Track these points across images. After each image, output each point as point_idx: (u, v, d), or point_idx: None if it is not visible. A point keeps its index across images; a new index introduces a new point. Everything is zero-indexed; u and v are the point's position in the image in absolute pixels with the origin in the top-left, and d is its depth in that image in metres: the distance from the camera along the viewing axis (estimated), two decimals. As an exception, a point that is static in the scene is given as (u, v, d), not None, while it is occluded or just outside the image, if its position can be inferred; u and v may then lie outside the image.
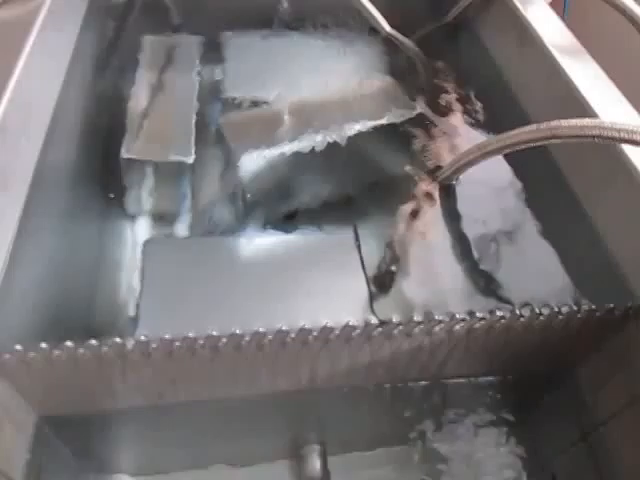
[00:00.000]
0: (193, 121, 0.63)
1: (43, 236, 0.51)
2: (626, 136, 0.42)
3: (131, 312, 0.55)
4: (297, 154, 0.61)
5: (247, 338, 0.38)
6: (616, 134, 0.42)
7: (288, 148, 0.61)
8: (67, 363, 0.38)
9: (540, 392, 0.56)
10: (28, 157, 0.51)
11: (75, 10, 0.70)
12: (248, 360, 0.40)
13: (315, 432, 0.57)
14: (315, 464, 0.56)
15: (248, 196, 0.61)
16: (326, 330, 0.38)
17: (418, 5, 0.80)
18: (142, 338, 0.37)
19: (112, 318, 0.57)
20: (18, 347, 0.36)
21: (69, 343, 0.37)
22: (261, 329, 0.37)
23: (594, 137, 0.43)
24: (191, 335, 0.37)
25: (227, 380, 0.43)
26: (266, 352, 0.39)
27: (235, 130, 0.64)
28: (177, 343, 0.37)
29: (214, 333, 0.37)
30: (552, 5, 0.68)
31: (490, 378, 0.50)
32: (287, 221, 0.60)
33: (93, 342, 0.37)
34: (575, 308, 0.42)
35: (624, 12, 0.60)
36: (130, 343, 0.37)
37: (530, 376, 0.51)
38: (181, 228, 0.63)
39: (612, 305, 0.43)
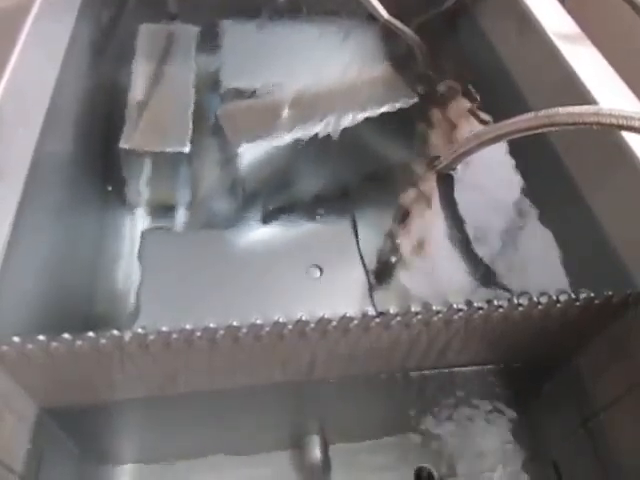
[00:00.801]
0: (190, 111, 0.63)
1: (41, 227, 0.51)
2: (625, 123, 0.41)
3: (131, 303, 0.55)
4: (296, 145, 0.61)
5: (244, 330, 0.38)
6: (615, 121, 0.42)
7: (287, 139, 0.61)
8: (65, 355, 0.38)
9: (540, 380, 0.56)
10: (25, 147, 0.50)
11: (71, -2, 0.70)
12: (246, 352, 0.40)
13: (315, 421, 0.57)
14: (316, 453, 0.56)
15: (246, 187, 0.61)
16: (323, 321, 0.38)
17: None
18: (139, 330, 0.37)
19: (112, 309, 0.57)
20: (16, 339, 0.36)
21: (67, 335, 0.37)
22: (258, 321, 0.37)
23: (592, 124, 0.43)
24: (188, 327, 0.37)
25: (226, 371, 0.43)
26: (264, 344, 0.39)
27: (233, 120, 0.63)
28: (174, 335, 0.37)
29: (211, 325, 0.37)
30: (552, -10, 0.68)
31: (489, 367, 0.50)
32: (285, 212, 0.60)
33: (91, 334, 0.37)
34: (574, 296, 0.42)
35: (625, -3, 0.59)
36: (128, 335, 0.37)
37: (529, 364, 0.51)
38: (180, 219, 0.63)
39: (611, 293, 0.43)
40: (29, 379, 0.41)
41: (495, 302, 0.41)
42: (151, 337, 0.37)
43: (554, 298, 0.41)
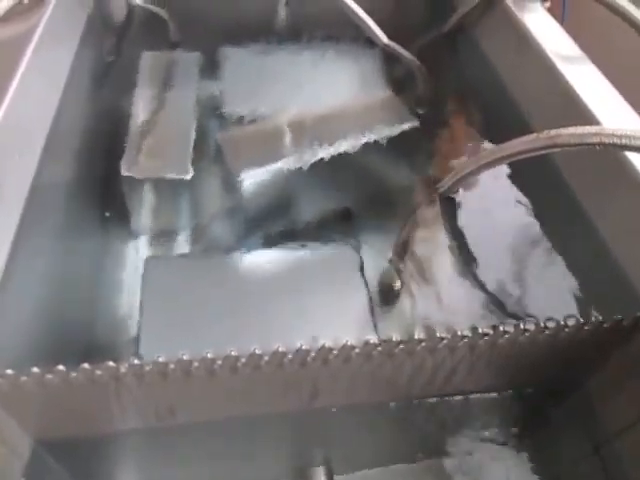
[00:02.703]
0: (192, 138, 0.63)
1: (40, 254, 0.51)
2: (628, 142, 0.41)
3: (132, 331, 0.54)
4: (297, 169, 0.60)
5: (243, 360, 0.37)
6: (617, 141, 0.41)
7: (287, 163, 0.60)
8: (60, 387, 0.37)
9: (549, 406, 0.54)
10: (24, 175, 0.50)
11: (73, 27, 0.70)
12: (245, 382, 0.39)
13: (319, 451, 0.56)
14: (321, 483, 0.55)
15: (248, 212, 0.61)
16: (324, 350, 0.37)
17: (415, 15, 0.79)
18: (135, 361, 0.36)
19: (113, 337, 0.56)
20: (9, 371, 0.36)
21: (61, 367, 0.36)
22: (257, 351, 0.36)
23: (595, 145, 0.42)
24: (186, 357, 0.36)
25: (225, 402, 0.42)
26: (263, 373, 0.38)
27: (234, 146, 0.63)
28: (172, 366, 0.36)
29: (209, 355, 0.36)
30: (550, 11, 0.68)
31: (496, 394, 0.49)
32: (287, 237, 0.59)
33: (86, 366, 0.36)
34: (582, 320, 0.41)
35: (624, 16, 0.59)
36: (124, 366, 0.36)
37: (538, 390, 0.50)
38: (181, 245, 0.63)
39: (620, 316, 0.42)
40: (23, 412, 0.40)
41: (501, 328, 0.40)
42: (147, 368, 0.36)
43: (562, 323, 0.40)
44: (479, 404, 0.49)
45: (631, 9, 0.59)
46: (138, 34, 0.80)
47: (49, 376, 0.36)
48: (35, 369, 0.36)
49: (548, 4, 0.68)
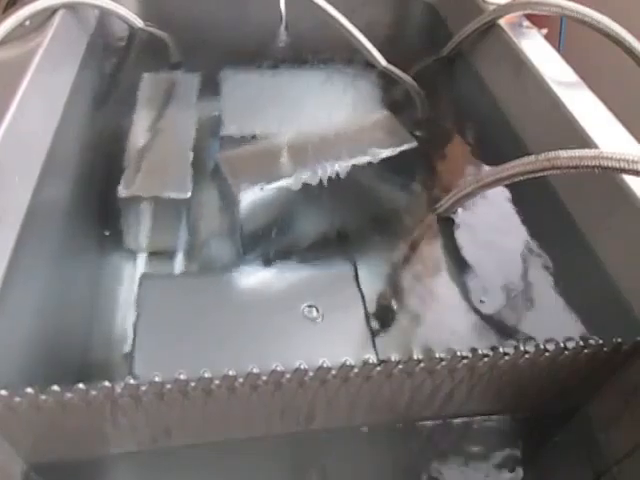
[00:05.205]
0: (191, 158, 0.63)
1: (36, 273, 0.50)
2: (626, 166, 0.41)
3: (127, 350, 0.54)
4: (295, 189, 0.60)
5: (240, 380, 0.36)
6: (616, 164, 0.41)
7: (286, 183, 0.60)
8: (55, 408, 0.36)
9: (549, 431, 0.54)
10: (21, 195, 0.50)
11: (74, 49, 0.71)
12: (242, 402, 0.38)
13: (317, 474, 0.55)
14: (317, 509, 0.54)
15: (246, 232, 0.61)
16: (323, 370, 0.37)
17: (414, 40, 0.81)
18: (131, 381, 0.36)
19: (108, 356, 0.56)
20: (2, 392, 0.35)
21: (56, 387, 0.35)
22: (255, 370, 0.36)
23: (594, 167, 0.42)
24: (182, 377, 0.36)
25: (222, 423, 0.42)
26: (261, 394, 0.38)
27: (233, 165, 0.63)
28: (168, 386, 0.36)
29: (206, 375, 0.36)
30: (547, 38, 0.69)
31: (496, 417, 0.48)
32: (285, 256, 0.59)
33: (81, 386, 0.36)
34: (582, 343, 0.41)
35: (621, 44, 0.60)
36: (119, 386, 0.36)
37: (538, 414, 0.50)
38: (179, 264, 0.62)
39: (620, 340, 0.42)
40: (16, 434, 0.39)
41: (501, 349, 0.39)
42: (143, 388, 0.36)
43: (561, 345, 0.40)
44: (479, 428, 0.49)
45: (628, 37, 0.59)
46: (139, 56, 0.80)
47: (43, 397, 0.36)
48: (29, 389, 0.35)
49: (545, 31, 0.70)
